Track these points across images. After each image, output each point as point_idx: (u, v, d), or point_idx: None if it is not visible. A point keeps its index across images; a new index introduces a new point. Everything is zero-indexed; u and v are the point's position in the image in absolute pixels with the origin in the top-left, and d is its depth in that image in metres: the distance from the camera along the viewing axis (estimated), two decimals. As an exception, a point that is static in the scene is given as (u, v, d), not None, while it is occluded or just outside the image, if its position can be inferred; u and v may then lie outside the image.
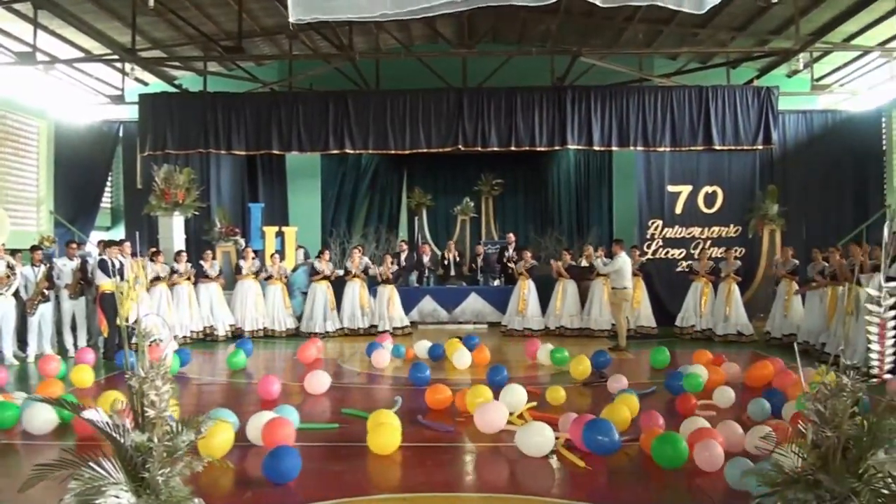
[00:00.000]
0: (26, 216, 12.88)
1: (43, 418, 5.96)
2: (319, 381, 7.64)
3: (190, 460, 3.11)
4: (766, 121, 12.47)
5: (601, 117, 12.49)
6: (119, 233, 15.01)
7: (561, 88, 12.69)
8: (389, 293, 12.74)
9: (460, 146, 12.55)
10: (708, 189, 13.84)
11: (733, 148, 12.63)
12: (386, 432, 5.37)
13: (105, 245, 10.74)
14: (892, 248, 4.16)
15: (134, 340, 3.20)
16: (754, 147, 12.63)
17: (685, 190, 13.82)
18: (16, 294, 9.88)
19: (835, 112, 14.56)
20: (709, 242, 13.72)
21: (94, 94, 14.87)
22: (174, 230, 12.96)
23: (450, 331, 12.59)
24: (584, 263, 12.67)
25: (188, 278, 11.92)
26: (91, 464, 2.90)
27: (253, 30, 13.56)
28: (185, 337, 11.62)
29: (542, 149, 12.90)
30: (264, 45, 14.99)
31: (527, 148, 12.66)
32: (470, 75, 13.06)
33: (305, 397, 7.53)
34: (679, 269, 13.57)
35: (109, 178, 15.34)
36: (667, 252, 13.79)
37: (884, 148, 13.43)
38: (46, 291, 10.27)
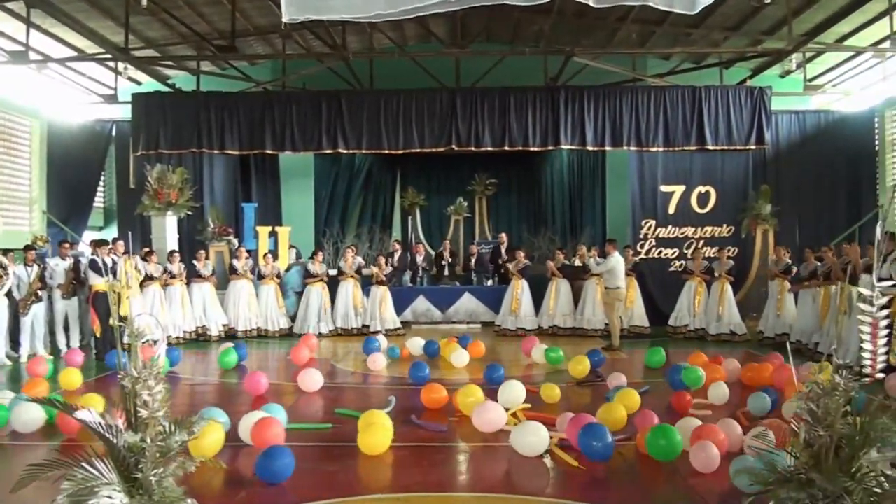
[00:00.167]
0: (19, 216, 12.80)
1: (30, 416, 5.95)
2: (312, 380, 7.65)
3: (183, 461, 3.10)
4: (759, 121, 12.50)
5: (594, 117, 12.50)
6: (112, 232, 14.94)
7: (554, 88, 12.70)
8: (382, 294, 12.73)
9: (454, 146, 12.53)
10: (701, 189, 13.87)
11: (726, 148, 12.65)
12: (376, 433, 5.35)
13: (96, 245, 10.70)
14: (885, 247, 4.18)
15: (126, 340, 3.19)
16: (747, 147, 12.65)
17: (678, 190, 13.86)
18: (8, 294, 9.85)
19: (827, 112, 14.61)
20: (702, 242, 13.75)
21: (87, 93, 14.79)
22: (167, 230, 12.93)
23: (443, 331, 12.61)
24: (577, 263, 12.70)
25: (181, 279, 11.88)
26: (84, 464, 2.89)
27: (246, 29, 13.55)
28: (177, 337, 11.60)
29: (536, 149, 12.87)
30: (258, 44, 14.97)
31: (520, 148, 12.65)
32: (463, 75, 13.05)
33: (298, 396, 7.53)
34: (672, 268, 13.63)
35: (102, 178, 15.25)
36: (660, 252, 13.82)
37: (876, 148, 13.51)
38: (39, 291, 10.22)
